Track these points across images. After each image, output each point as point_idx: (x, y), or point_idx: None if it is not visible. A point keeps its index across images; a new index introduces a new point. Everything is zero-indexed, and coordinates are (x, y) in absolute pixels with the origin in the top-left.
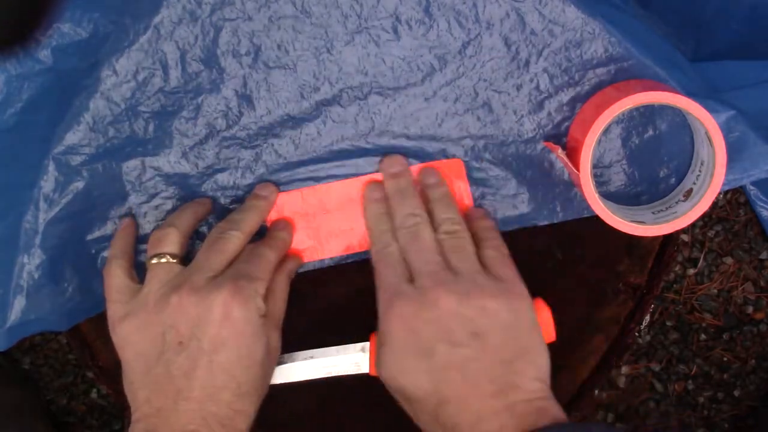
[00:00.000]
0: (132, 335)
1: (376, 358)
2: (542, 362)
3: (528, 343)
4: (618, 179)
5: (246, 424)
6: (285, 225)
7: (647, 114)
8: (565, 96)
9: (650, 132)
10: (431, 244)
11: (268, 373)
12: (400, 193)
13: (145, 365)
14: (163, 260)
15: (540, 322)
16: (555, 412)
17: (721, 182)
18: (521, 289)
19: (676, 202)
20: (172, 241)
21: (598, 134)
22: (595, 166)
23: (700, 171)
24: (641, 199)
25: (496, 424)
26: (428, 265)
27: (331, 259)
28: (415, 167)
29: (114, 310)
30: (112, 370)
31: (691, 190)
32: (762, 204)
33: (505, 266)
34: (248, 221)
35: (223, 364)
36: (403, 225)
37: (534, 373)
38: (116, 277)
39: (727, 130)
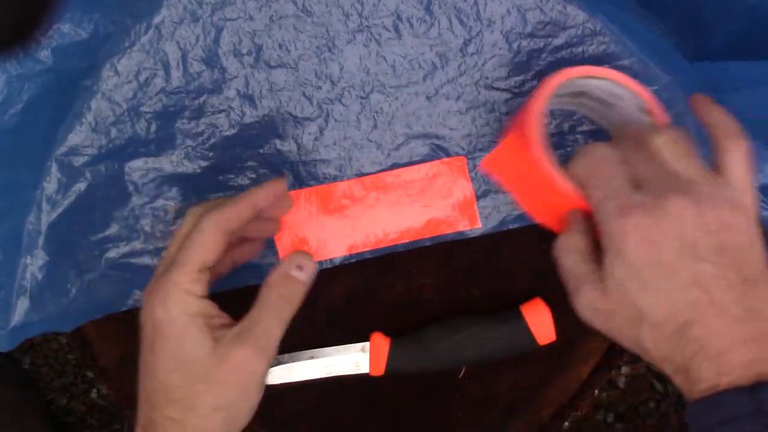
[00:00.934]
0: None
1: (603, 277)
2: None
3: (763, 262)
4: None
5: None
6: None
7: None
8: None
9: None
10: (651, 154)
11: (217, 387)
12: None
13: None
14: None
15: (540, 322)
16: None
17: None
18: (755, 199)
19: None
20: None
21: (542, 108)
22: None
23: None
24: None
25: (745, 356)
26: (658, 171)
27: (333, 259)
28: (418, 167)
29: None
30: (112, 370)
31: None
32: (762, 204)
33: (741, 168)
34: (226, 209)
35: (152, 369)
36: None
37: None
38: None
39: None
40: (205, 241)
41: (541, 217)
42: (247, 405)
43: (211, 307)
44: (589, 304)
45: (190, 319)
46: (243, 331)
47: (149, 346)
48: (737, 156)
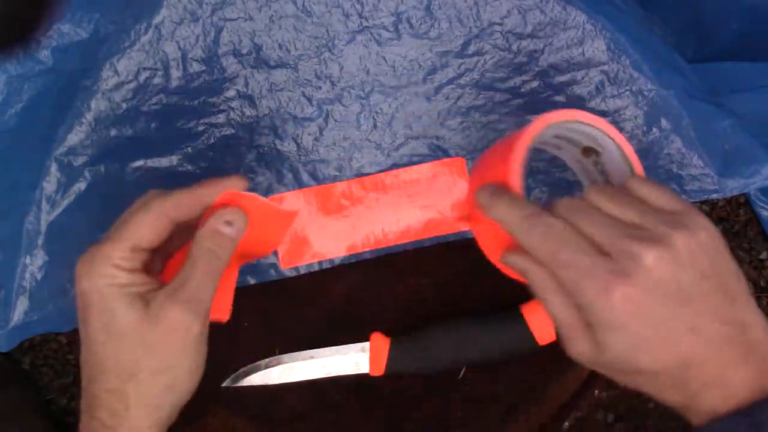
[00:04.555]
0: (76, 293)
1: (596, 344)
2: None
3: (734, 270)
4: None
5: (124, 404)
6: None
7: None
8: (566, 93)
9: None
10: (599, 211)
11: (152, 352)
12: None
13: None
14: None
15: (539, 323)
16: None
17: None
18: (699, 211)
19: None
20: None
21: (521, 157)
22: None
23: None
24: None
25: (743, 376)
26: (618, 229)
27: (333, 259)
28: (417, 167)
29: None
30: None
31: None
32: (762, 204)
33: (672, 199)
34: (177, 196)
35: (85, 342)
36: (565, 210)
37: (752, 301)
38: None
39: (725, 137)
40: (146, 222)
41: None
42: (187, 367)
43: (139, 277)
44: (582, 354)
45: (118, 289)
46: (173, 289)
47: (81, 320)
48: (652, 193)
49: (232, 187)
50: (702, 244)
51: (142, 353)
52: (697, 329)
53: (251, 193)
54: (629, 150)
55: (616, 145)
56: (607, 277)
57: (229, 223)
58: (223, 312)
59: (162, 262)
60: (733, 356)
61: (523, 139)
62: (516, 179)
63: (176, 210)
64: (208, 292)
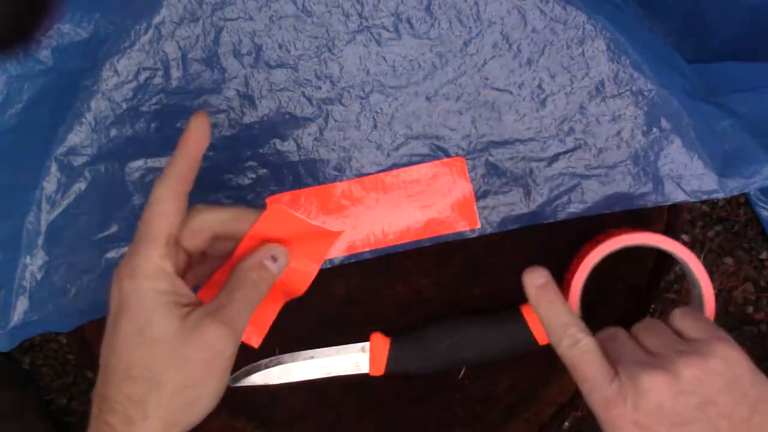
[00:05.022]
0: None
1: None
2: None
3: (757, 393)
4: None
5: (142, 414)
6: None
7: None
8: (566, 94)
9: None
10: (630, 339)
11: (185, 366)
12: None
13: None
14: None
15: (540, 323)
16: None
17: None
18: (726, 339)
19: None
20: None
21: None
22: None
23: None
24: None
25: None
26: (631, 355)
27: (333, 259)
28: (417, 167)
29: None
30: None
31: None
32: (762, 204)
33: (702, 328)
34: (172, 169)
35: (113, 344)
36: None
37: None
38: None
39: (725, 137)
40: (166, 210)
41: None
42: (211, 388)
43: (180, 286)
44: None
45: (159, 295)
46: (213, 309)
47: (113, 321)
48: (685, 318)
49: (202, 122)
50: (711, 371)
51: (171, 365)
52: None
53: (297, 215)
54: (705, 279)
55: (691, 269)
56: (607, 394)
57: (274, 259)
58: (256, 336)
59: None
60: None
61: (589, 260)
62: (574, 296)
63: (181, 184)
64: (244, 320)
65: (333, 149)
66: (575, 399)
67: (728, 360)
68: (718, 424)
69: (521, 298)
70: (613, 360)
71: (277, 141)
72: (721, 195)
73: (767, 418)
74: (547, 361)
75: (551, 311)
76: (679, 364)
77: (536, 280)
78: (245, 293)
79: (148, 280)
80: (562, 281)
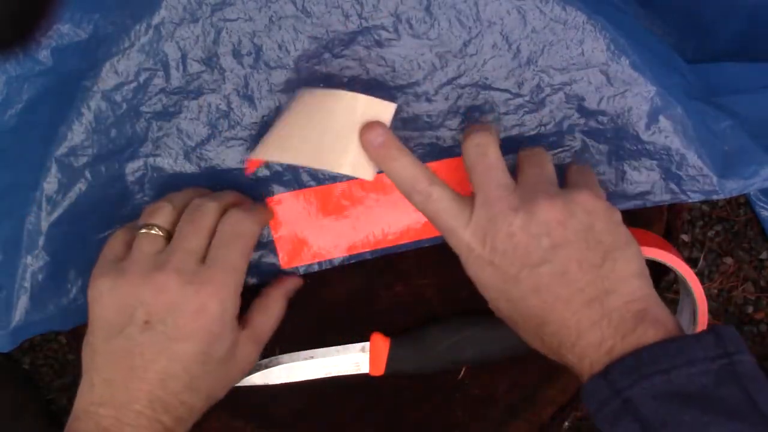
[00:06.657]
0: (104, 296)
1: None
2: (631, 256)
3: (612, 241)
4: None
5: (190, 415)
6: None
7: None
8: (566, 94)
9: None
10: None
11: (226, 377)
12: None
13: (106, 332)
14: (152, 231)
15: None
16: (655, 312)
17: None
18: (592, 191)
19: None
20: (163, 215)
21: None
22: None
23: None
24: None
25: (597, 336)
26: (491, 183)
27: (333, 260)
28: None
29: (98, 265)
30: None
31: None
32: (762, 204)
33: (582, 176)
34: (226, 195)
35: (181, 355)
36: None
37: (627, 271)
38: (116, 238)
39: (725, 137)
40: (247, 247)
41: None
42: (232, 385)
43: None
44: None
45: (232, 322)
46: (255, 333)
47: (177, 336)
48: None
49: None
50: (568, 216)
51: (214, 377)
52: (550, 288)
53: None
54: (699, 291)
55: (686, 280)
56: (465, 239)
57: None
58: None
59: None
60: (587, 319)
61: None
62: None
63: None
64: (269, 336)
65: None
66: (575, 400)
67: (588, 208)
68: (568, 266)
69: None
70: (476, 185)
71: None
72: (720, 196)
73: (618, 265)
74: (547, 361)
75: (396, 169)
76: (538, 205)
77: (374, 140)
78: (277, 316)
79: (233, 309)
80: None
